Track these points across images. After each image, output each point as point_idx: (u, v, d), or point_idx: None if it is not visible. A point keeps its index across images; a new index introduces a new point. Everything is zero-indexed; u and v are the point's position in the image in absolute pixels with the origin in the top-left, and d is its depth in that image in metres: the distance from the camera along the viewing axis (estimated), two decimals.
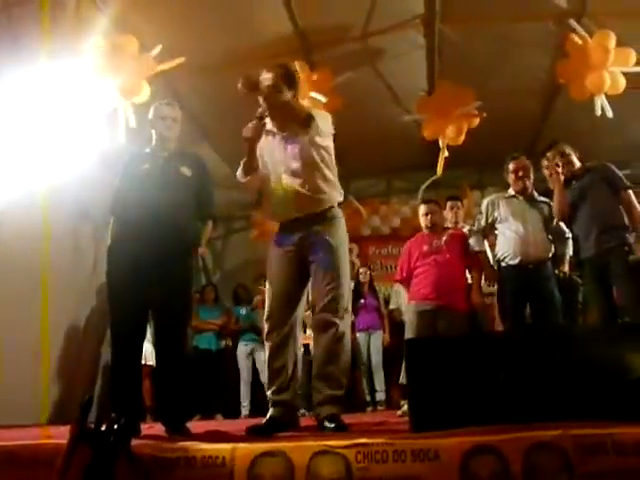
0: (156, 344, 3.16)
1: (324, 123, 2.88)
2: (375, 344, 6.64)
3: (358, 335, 6.61)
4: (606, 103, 4.95)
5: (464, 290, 4.42)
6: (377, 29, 5.50)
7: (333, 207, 2.96)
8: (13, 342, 4.60)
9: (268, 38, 5.45)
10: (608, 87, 4.90)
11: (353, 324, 6.59)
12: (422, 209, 4.61)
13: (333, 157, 2.99)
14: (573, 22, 4.91)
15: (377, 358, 6.62)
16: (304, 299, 3.02)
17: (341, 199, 2.99)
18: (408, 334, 4.40)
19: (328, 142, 2.94)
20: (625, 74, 4.92)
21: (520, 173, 4.23)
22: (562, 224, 4.24)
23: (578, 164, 4.05)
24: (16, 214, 4.56)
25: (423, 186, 7.30)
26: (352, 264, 7.77)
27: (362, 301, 6.65)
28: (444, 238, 4.46)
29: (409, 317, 4.48)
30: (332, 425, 2.62)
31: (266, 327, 2.94)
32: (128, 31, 4.92)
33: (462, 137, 5.79)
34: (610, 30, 4.82)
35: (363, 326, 6.62)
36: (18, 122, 4.38)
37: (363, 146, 7.09)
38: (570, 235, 4.24)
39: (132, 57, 4.79)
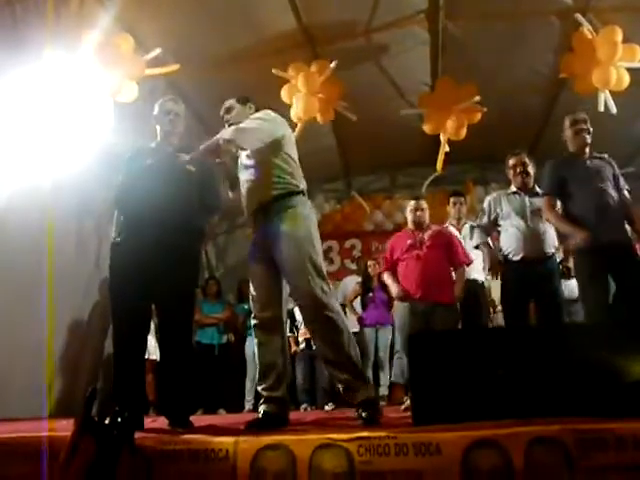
0: (160, 338, 3.17)
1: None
2: (383, 340, 6.60)
3: (365, 329, 6.58)
4: (610, 99, 4.95)
5: (450, 283, 4.45)
6: (381, 24, 5.49)
7: (289, 195, 2.95)
8: (17, 337, 4.62)
9: (272, 34, 5.45)
10: (614, 83, 4.90)
11: (361, 319, 6.62)
12: (411, 205, 4.63)
13: (286, 148, 3.03)
14: (579, 17, 4.88)
15: (384, 354, 6.59)
16: (286, 292, 3.07)
17: (302, 187, 3.02)
18: (401, 332, 4.43)
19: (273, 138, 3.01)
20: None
21: (519, 169, 4.25)
22: None
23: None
24: (19, 210, 4.57)
25: (426, 182, 7.30)
26: (359, 259, 7.80)
27: (370, 295, 6.61)
28: (428, 233, 4.48)
29: (399, 315, 4.48)
30: (365, 415, 2.67)
31: (252, 326, 3.05)
32: (132, 26, 4.92)
33: (463, 132, 5.77)
34: (613, 25, 4.81)
35: (371, 321, 6.56)
36: (21, 118, 4.39)
37: (367, 141, 7.10)
38: None
39: (124, 57, 4.78)
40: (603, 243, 3.55)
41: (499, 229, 4.34)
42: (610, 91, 4.95)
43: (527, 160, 4.28)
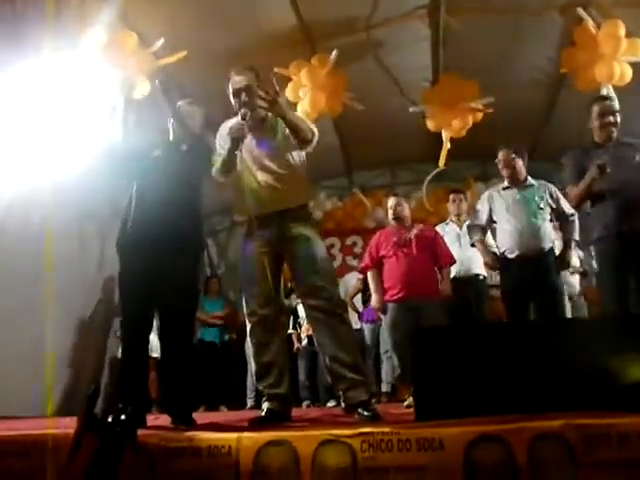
0: (161, 337, 3.16)
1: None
2: (384, 336, 6.58)
3: (365, 326, 6.57)
4: (613, 94, 4.92)
5: (435, 281, 4.48)
6: (382, 20, 5.48)
7: (307, 206, 3.06)
8: (19, 336, 4.62)
9: (272, 30, 5.43)
10: (617, 77, 4.88)
11: (361, 315, 6.61)
12: (391, 201, 4.66)
13: (304, 160, 3.07)
14: (581, 11, 4.86)
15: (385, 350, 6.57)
16: (281, 291, 3.08)
17: (312, 200, 3.05)
18: (390, 332, 4.42)
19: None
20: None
21: (503, 164, 4.22)
22: (567, 204, 4.13)
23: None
24: (20, 211, 4.57)
25: (427, 178, 7.27)
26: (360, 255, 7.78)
27: None
28: (414, 232, 4.48)
29: (387, 315, 4.46)
30: (367, 413, 2.65)
31: (249, 325, 2.98)
32: (132, 23, 4.92)
33: (465, 130, 5.77)
34: (615, 19, 4.79)
35: (372, 317, 6.54)
36: (22, 117, 4.37)
37: (367, 138, 7.08)
38: (574, 217, 4.15)
39: (131, 53, 4.81)
40: (623, 231, 3.46)
41: (495, 226, 4.31)
42: (612, 86, 4.94)
43: (513, 154, 4.22)
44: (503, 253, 4.17)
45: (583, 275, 5.90)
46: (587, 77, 4.97)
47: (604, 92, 4.90)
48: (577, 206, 3.88)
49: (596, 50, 4.82)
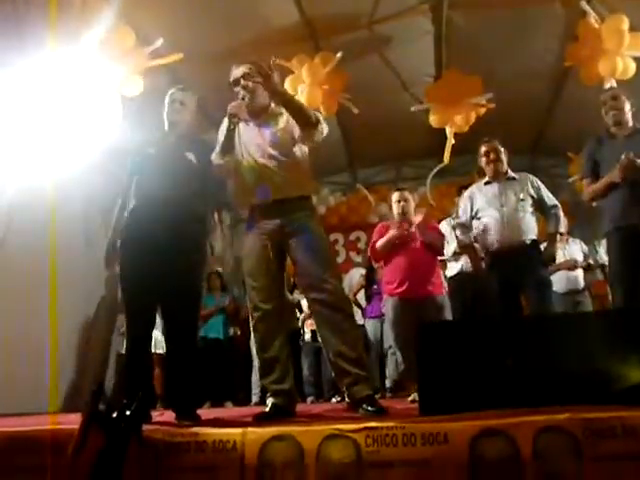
0: (165, 333, 3.16)
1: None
2: (388, 331, 6.56)
3: (368, 322, 6.56)
4: (616, 87, 4.91)
5: (437, 275, 4.45)
6: (384, 15, 5.47)
7: (310, 199, 3.04)
8: (24, 333, 4.63)
9: (275, 26, 5.44)
10: (620, 72, 4.86)
11: (364, 311, 6.60)
12: (395, 196, 4.59)
13: (307, 154, 3.06)
14: (584, 5, 4.84)
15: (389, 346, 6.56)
16: (284, 284, 3.10)
17: (316, 194, 3.03)
18: (393, 328, 4.41)
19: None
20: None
21: (491, 156, 4.16)
22: (549, 194, 4.10)
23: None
24: (24, 206, 4.57)
25: (431, 173, 7.27)
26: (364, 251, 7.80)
27: (375, 287, 6.57)
28: (415, 224, 4.46)
29: (390, 310, 4.41)
30: (372, 408, 2.65)
31: (252, 320, 2.97)
32: (134, 21, 4.91)
33: (468, 126, 5.76)
34: (619, 13, 4.77)
35: (376, 313, 6.52)
36: (24, 114, 4.38)
37: (371, 133, 7.08)
38: (557, 209, 4.07)
39: (127, 51, 4.81)
40: (634, 224, 3.43)
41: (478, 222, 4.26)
42: (616, 80, 4.92)
43: (497, 146, 4.18)
44: (486, 247, 4.14)
45: (587, 269, 5.89)
46: (591, 71, 4.95)
47: (607, 86, 4.89)
48: (590, 201, 3.86)
49: (599, 44, 4.80)
